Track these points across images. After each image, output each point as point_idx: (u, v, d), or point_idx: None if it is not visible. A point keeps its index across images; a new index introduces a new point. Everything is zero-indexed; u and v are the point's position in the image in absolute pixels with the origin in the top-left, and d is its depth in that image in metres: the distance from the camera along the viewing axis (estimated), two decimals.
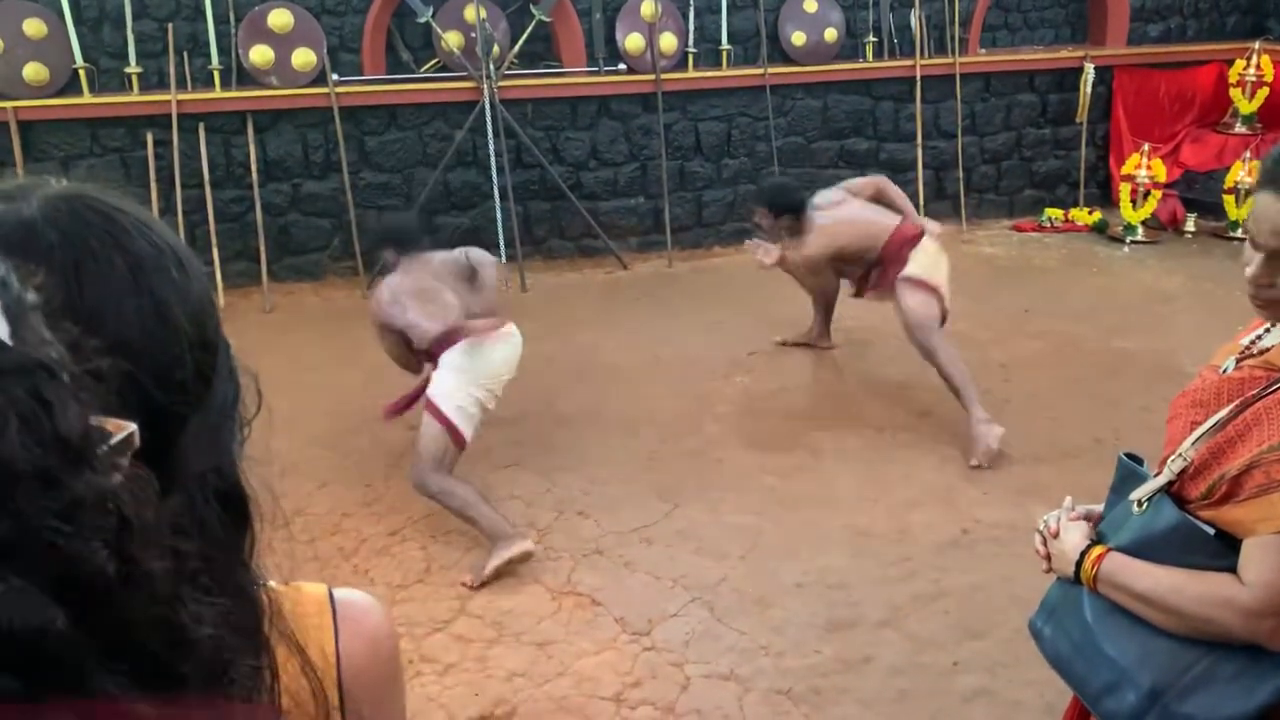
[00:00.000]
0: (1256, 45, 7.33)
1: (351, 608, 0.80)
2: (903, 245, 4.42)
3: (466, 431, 3.51)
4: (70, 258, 0.62)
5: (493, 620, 3.21)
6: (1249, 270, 1.40)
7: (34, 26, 5.74)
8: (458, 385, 3.51)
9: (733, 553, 3.56)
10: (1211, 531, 1.38)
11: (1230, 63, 7.44)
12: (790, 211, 4.54)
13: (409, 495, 3.90)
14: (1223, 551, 1.37)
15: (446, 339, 3.56)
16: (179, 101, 5.89)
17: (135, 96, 5.92)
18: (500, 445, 4.31)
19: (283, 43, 6.04)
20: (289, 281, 6.30)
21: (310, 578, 0.82)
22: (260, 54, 6.02)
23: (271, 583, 0.72)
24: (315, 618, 0.78)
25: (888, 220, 4.50)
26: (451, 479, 3.49)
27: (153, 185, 5.88)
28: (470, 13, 6.24)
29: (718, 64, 6.80)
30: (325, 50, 6.10)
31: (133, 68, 5.90)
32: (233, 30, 5.99)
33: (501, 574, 3.39)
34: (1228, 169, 7.01)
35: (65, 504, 0.51)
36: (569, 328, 5.61)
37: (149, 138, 5.92)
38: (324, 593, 0.80)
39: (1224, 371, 1.47)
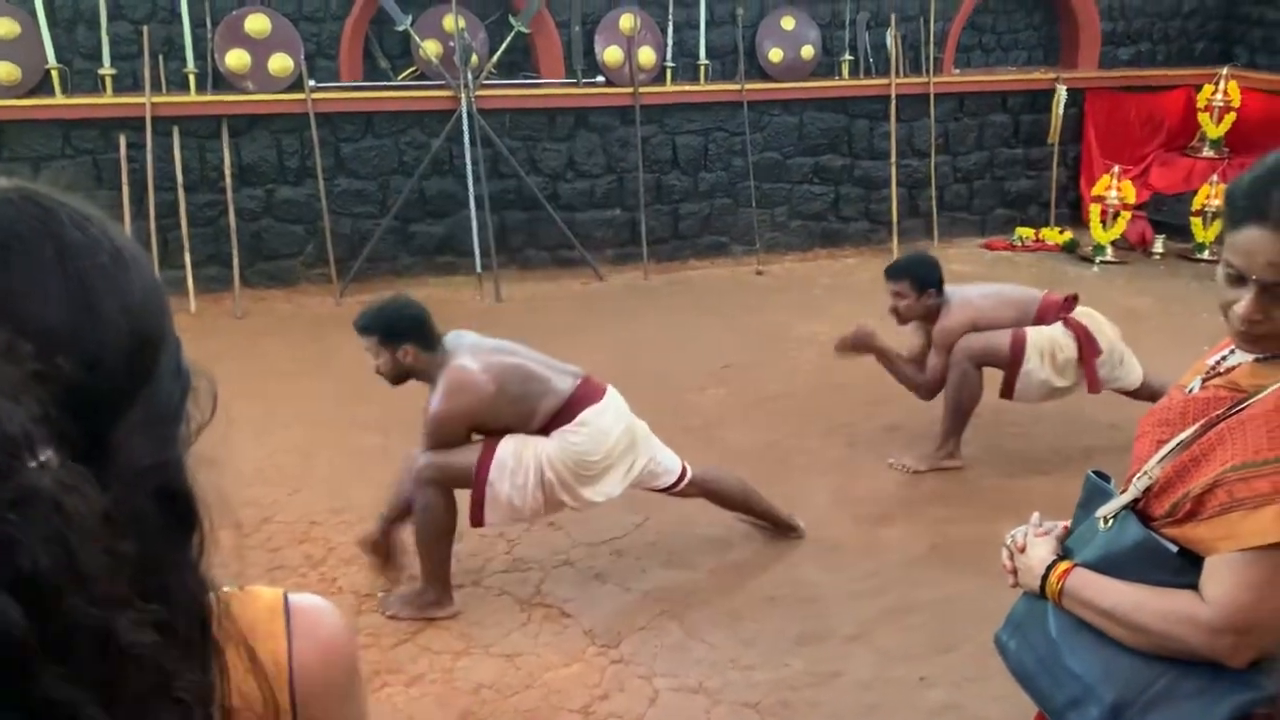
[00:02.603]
0: (1224, 71, 7.46)
1: (306, 613, 0.79)
2: (1057, 311, 4.21)
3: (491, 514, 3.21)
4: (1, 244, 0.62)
5: (460, 631, 3.19)
6: (1240, 307, 1.35)
7: (6, 26, 5.69)
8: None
9: (703, 565, 3.56)
10: (1175, 549, 1.40)
11: (1199, 88, 7.57)
12: (936, 286, 4.16)
13: (379, 503, 3.88)
14: (1186, 569, 1.39)
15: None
16: (153, 104, 5.85)
17: (109, 98, 5.87)
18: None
19: (259, 48, 6.02)
20: (261, 287, 6.26)
21: (281, 584, 0.81)
22: (237, 59, 5.99)
23: (225, 587, 0.72)
24: (267, 623, 0.77)
25: (1032, 292, 4.33)
26: (445, 501, 3.21)
27: (125, 188, 5.83)
28: (449, 22, 6.24)
29: (695, 79, 6.84)
30: (302, 56, 6.08)
31: (106, 69, 5.85)
32: (209, 34, 5.96)
33: (466, 584, 3.37)
34: (1195, 192, 7.12)
35: (10, 500, 0.50)
36: (543, 338, 5.57)
37: (122, 140, 5.88)
38: (278, 597, 0.79)
39: (1190, 391, 1.49)
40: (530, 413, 3.18)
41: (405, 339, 3.21)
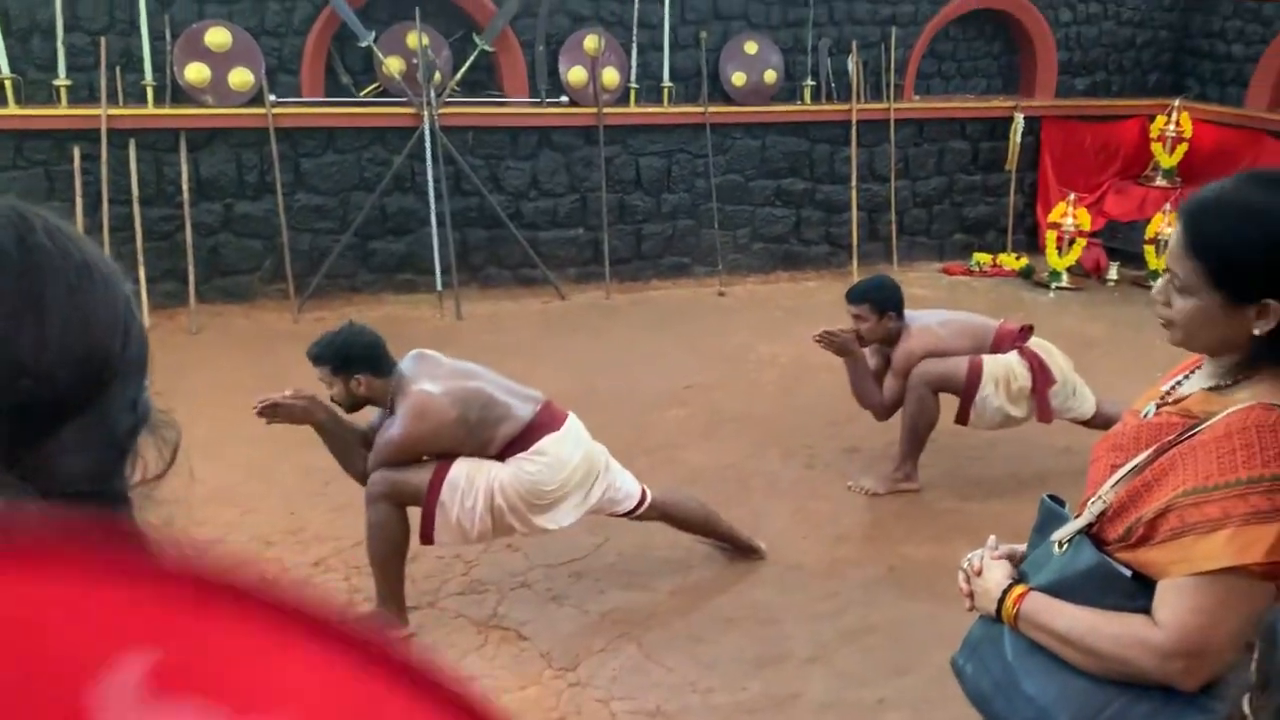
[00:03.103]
0: (1176, 103, 7.62)
1: None
2: (1013, 340, 4.27)
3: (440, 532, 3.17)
4: None
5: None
6: (1154, 287, 1.50)
7: None
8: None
9: (662, 587, 3.55)
10: (1129, 573, 1.41)
11: (1152, 118, 7.73)
12: (896, 310, 4.19)
13: (335, 523, 3.83)
14: (1139, 593, 1.41)
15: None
16: (109, 116, 5.77)
17: (63, 110, 5.78)
18: None
19: (220, 61, 5.96)
20: (217, 303, 6.18)
21: None
22: (196, 72, 5.93)
23: None
24: None
25: (989, 321, 4.37)
26: (397, 516, 3.18)
27: (78, 200, 5.74)
28: (413, 39, 6.23)
29: (659, 101, 6.87)
30: (264, 70, 6.03)
31: (62, 80, 5.76)
32: (168, 47, 5.89)
33: (422, 606, 3.33)
34: (1149, 220, 7.25)
35: None
36: (503, 357, 5.56)
37: (76, 152, 5.78)
38: None
39: (1144, 416, 1.51)
40: (489, 439, 3.16)
41: (358, 368, 3.19)
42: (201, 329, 5.87)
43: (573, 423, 3.31)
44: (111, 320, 0.66)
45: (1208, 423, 1.37)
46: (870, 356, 4.37)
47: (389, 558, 3.18)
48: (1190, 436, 1.38)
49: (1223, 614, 1.33)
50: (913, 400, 4.14)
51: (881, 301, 4.18)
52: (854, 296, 4.23)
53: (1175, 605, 1.36)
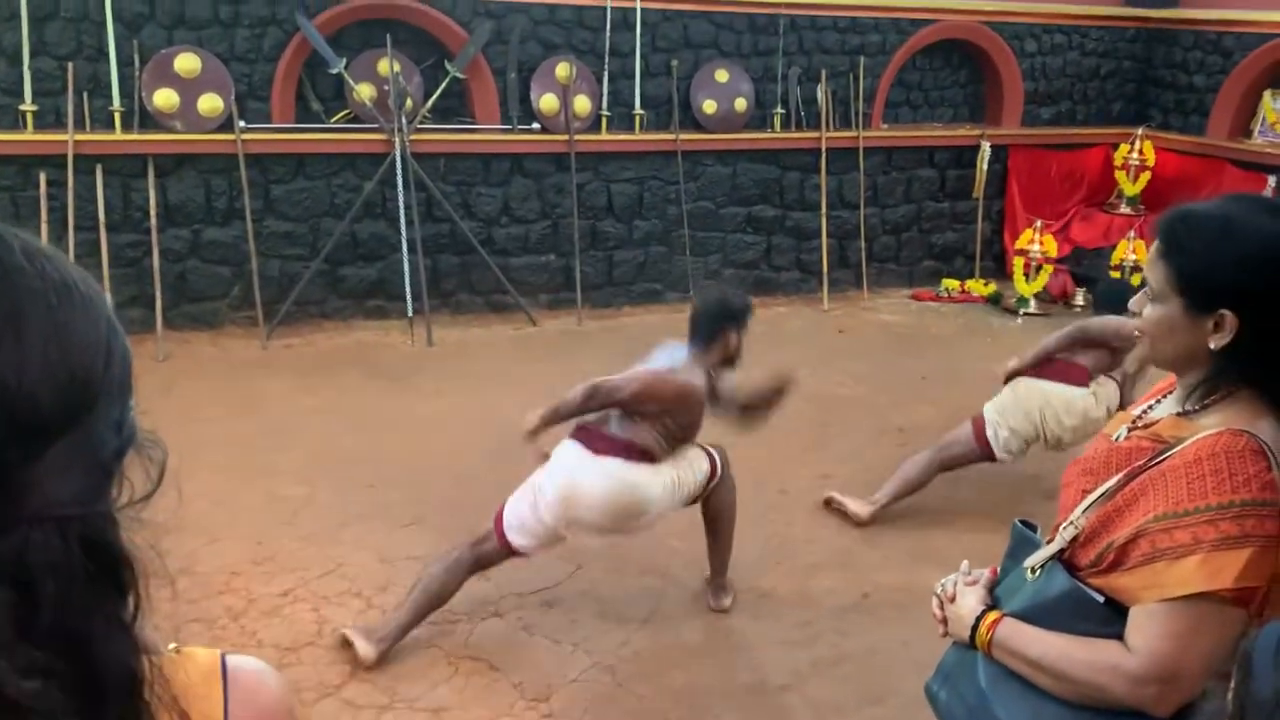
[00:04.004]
0: (1139, 131, 7.75)
1: (244, 677, 0.76)
2: None
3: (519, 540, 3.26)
4: None
5: (385, 685, 3.10)
6: (1132, 300, 1.52)
7: None
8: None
9: (635, 616, 3.52)
10: (1101, 599, 1.41)
11: (1116, 146, 7.86)
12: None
13: (302, 553, 3.78)
14: (1112, 618, 1.41)
15: None
16: (76, 142, 5.71)
17: (29, 135, 5.72)
18: (399, 503, 4.21)
19: (189, 87, 5.93)
20: (185, 330, 6.11)
21: (195, 639, 0.79)
22: (165, 98, 5.89)
23: (163, 649, 0.70)
24: (202, 686, 0.74)
25: None
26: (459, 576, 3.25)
27: (44, 226, 5.66)
28: (384, 66, 6.22)
29: (630, 128, 6.90)
30: (233, 96, 6.00)
31: (28, 105, 5.71)
32: (137, 73, 5.85)
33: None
34: (1114, 247, 7.35)
35: None
36: (475, 383, 5.55)
37: (42, 177, 5.72)
38: (215, 659, 0.76)
39: (1116, 440, 1.52)
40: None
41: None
42: (168, 356, 5.80)
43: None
44: (93, 340, 0.66)
45: (1178, 448, 1.38)
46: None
47: (420, 612, 3.28)
48: (1160, 461, 1.38)
49: (1195, 639, 1.33)
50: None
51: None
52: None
53: (1147, 631, 1.36)
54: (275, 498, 4.17)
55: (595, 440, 3.27)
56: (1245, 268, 1.36)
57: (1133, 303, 1.50)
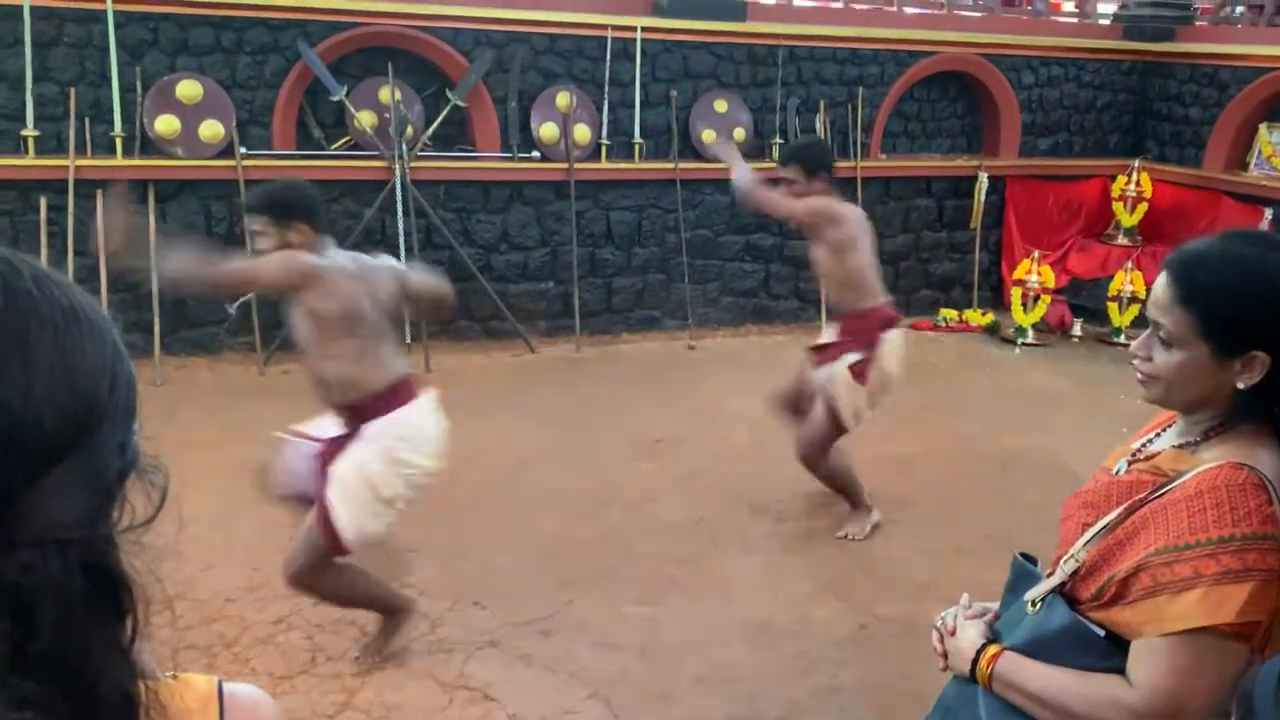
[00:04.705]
0: (1136, 163, 7.80)
1: (241, 704, 0.76)
2: (887, 322, 4.28)
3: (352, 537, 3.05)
4: None
5: (379, 715, 3.07)
6: (1134, 343, 1.49)
7: None
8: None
9: (632, 645, 3.49)
10: (1102, 633, 1.40)
11: (1113, 178, 7.90)
12: (826, 170, 4.21)
13: None
14: (1113, 653, 1.40)
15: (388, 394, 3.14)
16: (77, 167, 5.73)
17: (31, 160, 5.74)
18: (397, 529, 4.18)
19: (190, 114, 5.96)
20: (182, 355, 6.11)
21: (190, 666, 0.78)
22: (166, 124, 5.92)
23: (160, 675, 0.69)
24: (199, 713, 0.74)
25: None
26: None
27: (43, 251, 5.68)
28: (385, 94, 6.26)
29: (630, 156, 6.93)
30: (234, 123, 6.03)
31: (30, 130, 5.73)
32: (139, 99, 5.88)
33: (389, 663, 3.27)
34: (1111, 278, 7.37)
35: None
36: (473, 409, 5.52)
37: (43, 202, 5.74)
38: (212, 686, 0.76)
39: (1116, 473, 1.51)
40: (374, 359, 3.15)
41: (298, 216, 3.09)
42: (166, 381, 5.79)
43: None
44: (98, 365, 0.66)
45: (1178, 481, 1.37)
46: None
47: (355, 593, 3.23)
48: (1161, 495, 1.38)
49: (1196, 674, 1.32)
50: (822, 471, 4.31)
51: (811, 162, 4.18)
52: (783, 158, 4.30)
53: (1149, 665, 1.35)
54: (271, 524, 4.14)
55: None
56: (1277, 309, 1.36)
57: (1136, 347, 1.48)
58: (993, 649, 1.51)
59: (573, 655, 3.42)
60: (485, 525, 4.23)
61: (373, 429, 3.08)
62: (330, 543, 3.02)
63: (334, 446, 3.09)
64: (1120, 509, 1.41)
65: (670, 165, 6.95)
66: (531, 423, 5.39)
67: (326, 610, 3.56)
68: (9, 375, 0.61)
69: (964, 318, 7.75)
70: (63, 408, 0.63)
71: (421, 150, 6.39)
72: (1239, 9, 8.37)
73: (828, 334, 4.50)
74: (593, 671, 3.34)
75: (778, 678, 3.34)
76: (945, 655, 1.60)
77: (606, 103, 6.79)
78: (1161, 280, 1.44)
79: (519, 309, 6.75)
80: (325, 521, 3.00)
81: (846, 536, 4.27)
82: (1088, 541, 1.43)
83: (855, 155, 7.42)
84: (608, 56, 6.71)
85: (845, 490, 4.36)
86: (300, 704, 3.09)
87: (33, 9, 5.62)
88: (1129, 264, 7.31)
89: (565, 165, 6.68)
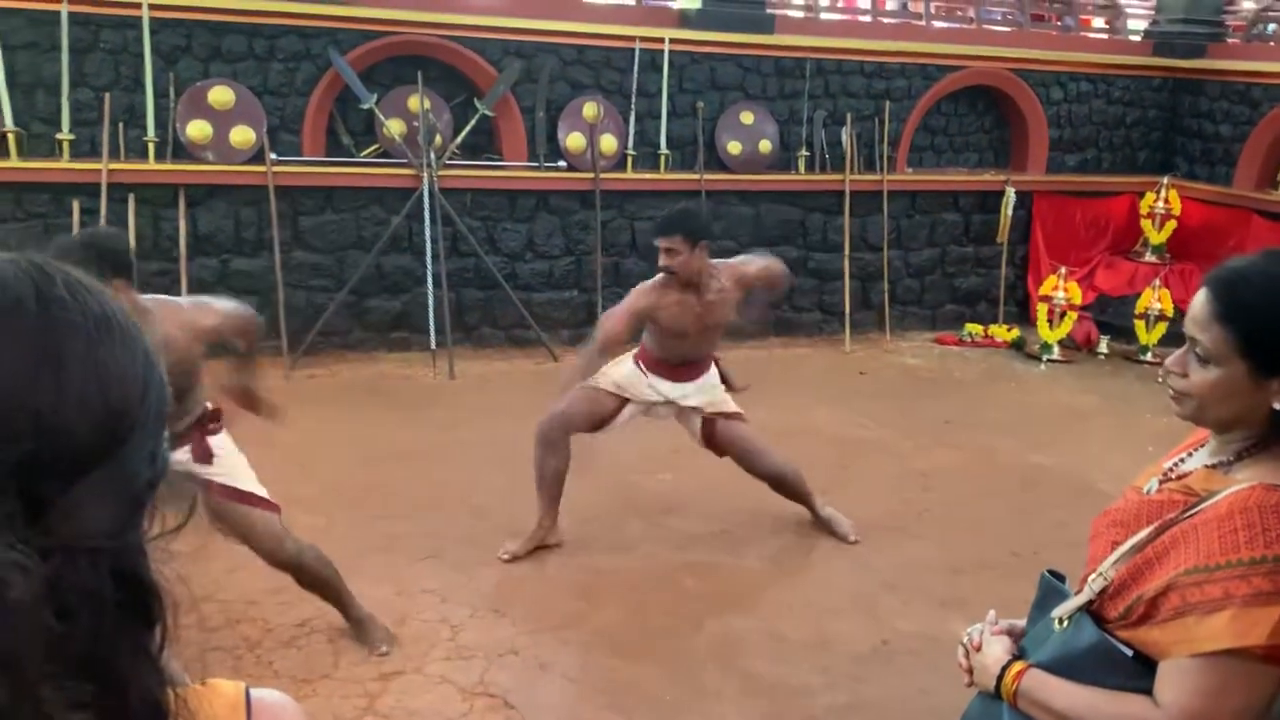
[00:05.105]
0: (1165, 180, 7.74)
1: (267, 709, 0.77)
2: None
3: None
4: None
5: None
6: (1169, 358, 1.47)
7: None
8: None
9: (651, 656, 3.49)
10: (1130, 652, 1.39)
11: (1141, 195, 7.85)
12: (709, 238, 4.04)
13: None
14: (1140, 672, 1.38)
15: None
16: (110, 171, 5.80)
17: (65, 164, 5.82)
18: (417, 535, 4.20)
19: (222, 119, 6.02)
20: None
21: (213, 668, 0.79)
22: (198, 129, 5.98)
23: (188, 682, 0.70)
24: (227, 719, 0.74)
25: None
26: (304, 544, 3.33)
27: None
28: (414, 102, 6.31)
29: (655, 167, 6.95)
30: (265, 129, 6.09)
31: (65, 134, 5.81)
32: (172, 104, 5.95)
33: (408, 671, 3.28)
34: (1139, 295, 7.31)
35: None
36: (494, 417, 5.55)
37: (75, 206, 5.81)
38: (240, 692, 0.76)
39: (1146, 492, 1.50)
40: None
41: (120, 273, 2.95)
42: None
43: None
44: (130, 374, 0.66)
45: (1209, 501, 1.36)
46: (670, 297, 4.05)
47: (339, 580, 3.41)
48: (1192, 514, 1.37)
49: (1225, 696, 1.31)
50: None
51: (697, 231, 3.93)
52: (665, 228, 3.95)
53: (1177, 686, 1.34)
54: (294, 527, 4.15)
55: None
56: None
57: (1171, 363, 1.46)
58: (1018, 665, 1.50)
59: (592, 664, 3.42)
60: (504, 533, 4.24)
61: None
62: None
63: None
64: (1150, 528, 1.40)
65: (695, 176, 6.96)
66: None
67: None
68: (42, 385, 0.61)
69: (989, 333, 7.70)
70: (95, 417, 0.63)
71: (449, 159, 6.44)
72: (1271, 26, 8.31)
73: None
74: (612, 681, 3.34)
75: (797, 692, 3.33)
76: (970, 671, 1.59)
77: (633, 113, 6.81)
78: (1201, 296, 1.42)
79: (543, 317, 6.78)
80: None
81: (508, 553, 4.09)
82: (1117, 560, 1.42)
83: (882, 169, 7.41)
84: (635, 67, 6.74)
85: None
86: (321, 708, 3.11)
87: (70, 15, 5.71)
88: (1156, 281, 7.26)
89: (591, 175, 6.70)
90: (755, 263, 4.25)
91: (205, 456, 3.14)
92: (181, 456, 3.19)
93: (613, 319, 4.01)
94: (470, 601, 3.75)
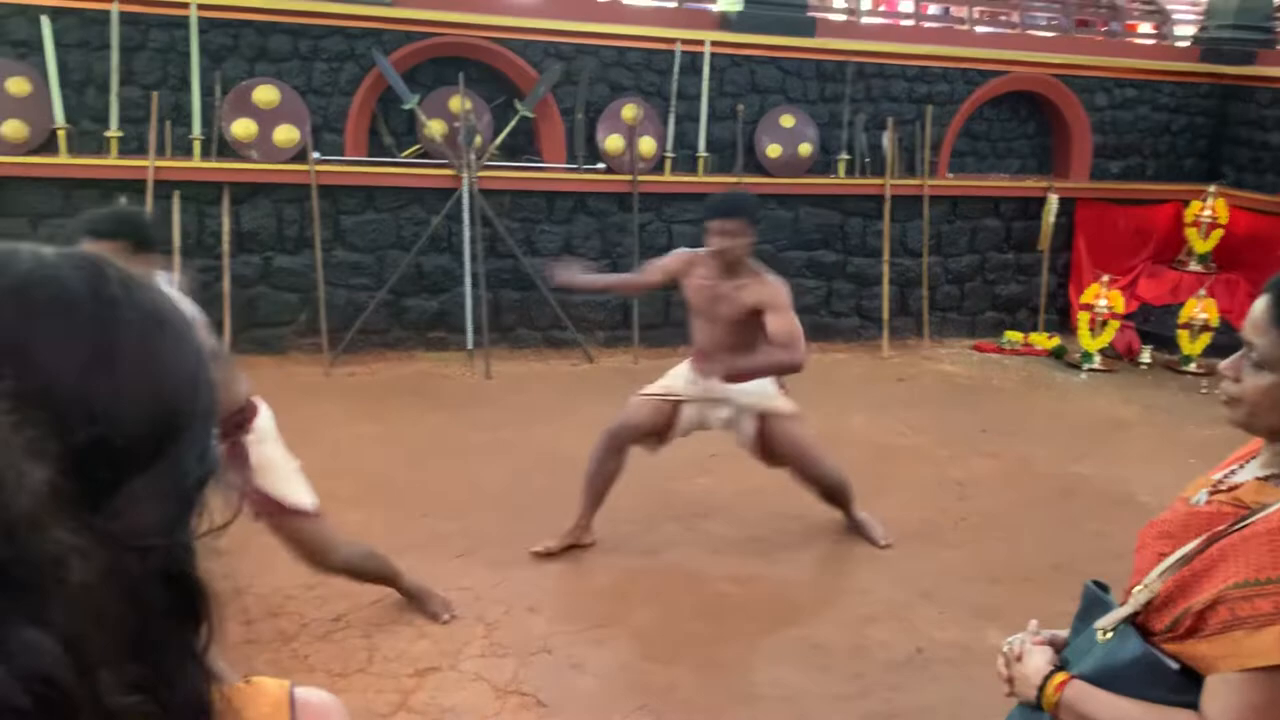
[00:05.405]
0: (1212, 189, 7.62)
1: (311, 708, 0.77)
2: None
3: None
4: (38, 285, 0.62)
5: (434, 717, 3.10)
6: (1224, 362, 1.46)
7: (18, 85, 5.76)
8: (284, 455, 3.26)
9: (685, 659, 3.48)
10: (1175, 666, 1.37)
11: (1187, 203, 7.73)
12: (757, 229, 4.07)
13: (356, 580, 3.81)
14: (1186, 686, 1.36)
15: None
16: (156, 168, 5.89)
17: (112, 160, 5.92)
18: (452, 534, 4.23)
19: (267, 118, 6.09)
20: (251, 354, 6.23)
21: (248, 661, 0.79)
22: (243, 127, 6.06)
23: (233, 679, 0.70)
24: (271, 718, 0.74)
25: None
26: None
27: None
28: (455, 103, 6.35)
29: (694, 170, 6.94)
30: (309, 128, 6.16)
31: (113, 132, 5.91)
32: (218, 102, 6.04)
33: (442, 667, 3.30)
34: (1182, 305, 7.20)
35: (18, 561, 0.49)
36: (530, 418, 5.58)
37: (122, 201, 5.90)
38: (284, 691, 0.77)
39: (1195, 504, 1.48)
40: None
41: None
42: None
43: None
44: (183, 372, 0.66)
45: (1261, 513, 1.34)
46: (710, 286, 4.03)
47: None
48: (1242, 527, 1.35)
49: (1273, 712, 1.29)
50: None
51: (755, 218, 4.04)
52: (726, 210, 3.95)
53: (1223, 701, 1.32)
54: (330, 523, 4.20)
55: None
56: None
57: (1226, 366, 1.45)
58: (1060, 676, 1.48)
59: (625, 666, 3.43)
60: (539, 532, 4.25)
61: None
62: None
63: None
64: (1199, 540, 1.38)
65: (734, 179, 6.94)
66: (587, 432, 5.38)
67: (384, 610, 3.61)
68: (96, 384, 0.61)
69: (1029, 341, 7.62)
70: (148, 416, 0.63)
71: (489, 160, 6.47)
72: None
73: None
74: (645, 683, 3.33)
75: (831, 700, 3.31)
76: (1010, 681, 1.57)
77: (672, 115, 6.81)
78: (1262, 301, 1.40)
79: (579, 319, 6.79)
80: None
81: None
82: (1163, 572, 1.40)
83: (923, 173, 7.36)
84: (675, 70, 6.74)
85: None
86: (355, 702, 3.13)
87: (121, 14, 5.81)
88: (1202, 291, 7.14)
89: (629, 177, 6.71)
90: (786, 311, 3.91)
91: (241, 460, 3.11)
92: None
93: (650, 264, 4.35)
94: (504, 600, 3.76)
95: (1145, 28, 8.81)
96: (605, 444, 4.13)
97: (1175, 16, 8.51)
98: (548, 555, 4.05)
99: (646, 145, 6.76)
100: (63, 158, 5.84)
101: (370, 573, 3.47)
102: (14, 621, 0.50)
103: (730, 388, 4.05)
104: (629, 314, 6.90)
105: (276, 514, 3.15)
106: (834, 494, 4.31)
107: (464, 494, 4.61)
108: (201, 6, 5.90)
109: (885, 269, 7.38)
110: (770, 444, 4.17)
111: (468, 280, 6.38)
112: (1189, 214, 7.67)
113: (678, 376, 4.21)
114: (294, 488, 3.21)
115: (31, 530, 0.50)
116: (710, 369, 3.94)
